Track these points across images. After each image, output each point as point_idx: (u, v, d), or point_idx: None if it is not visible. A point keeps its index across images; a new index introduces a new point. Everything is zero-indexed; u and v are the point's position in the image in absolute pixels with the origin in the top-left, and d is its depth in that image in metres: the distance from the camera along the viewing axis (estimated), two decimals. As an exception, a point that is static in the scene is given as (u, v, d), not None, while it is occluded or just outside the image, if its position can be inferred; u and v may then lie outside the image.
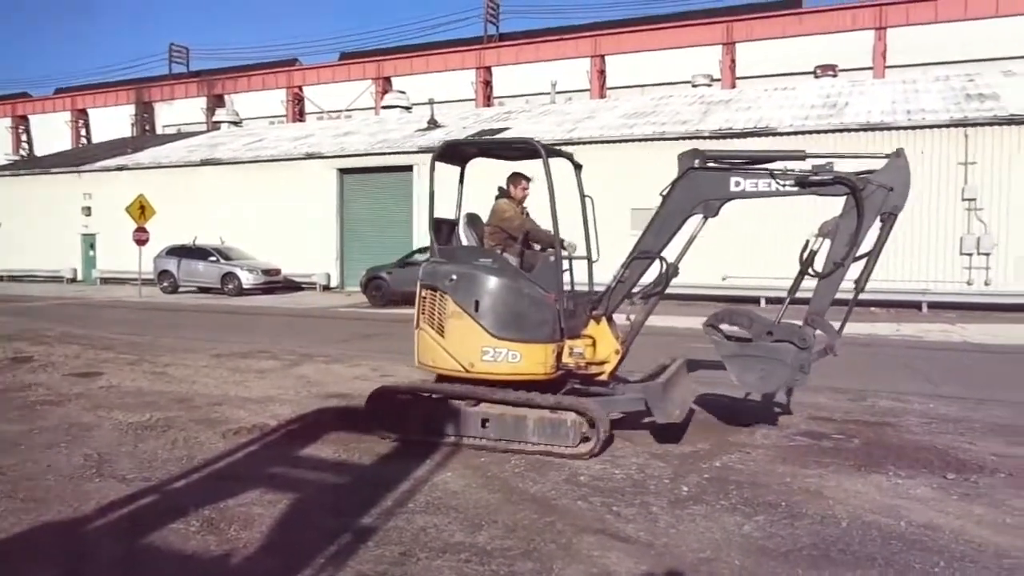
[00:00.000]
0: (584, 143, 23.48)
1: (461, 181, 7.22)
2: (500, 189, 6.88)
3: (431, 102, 30.10)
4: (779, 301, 6.79)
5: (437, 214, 6.79)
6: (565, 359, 6.07)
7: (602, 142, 23.66)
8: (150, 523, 4.36)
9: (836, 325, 6.05)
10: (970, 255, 19.71)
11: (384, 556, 3.95)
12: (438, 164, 6.79)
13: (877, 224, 5.89)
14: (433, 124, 29.32)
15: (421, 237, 25.45)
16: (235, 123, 39.96)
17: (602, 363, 6.22)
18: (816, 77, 29.08)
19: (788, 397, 7.54)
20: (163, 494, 4.94)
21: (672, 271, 6.22)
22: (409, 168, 26.48)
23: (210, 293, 25.65)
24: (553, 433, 5.75)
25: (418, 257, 22.09)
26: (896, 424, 7.02)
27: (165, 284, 26.59)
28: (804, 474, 5.39)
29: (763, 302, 19.21)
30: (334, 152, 28.23)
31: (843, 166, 5.93)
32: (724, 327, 6.18)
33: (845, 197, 5.82)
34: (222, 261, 25.98)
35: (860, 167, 6.00)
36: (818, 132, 21.25)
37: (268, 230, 28.05)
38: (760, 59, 34.27)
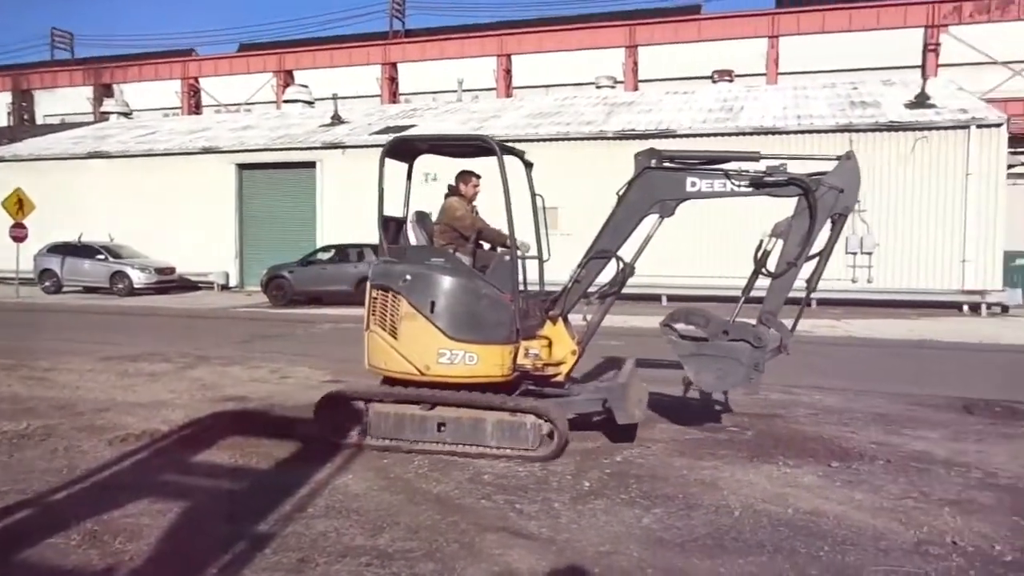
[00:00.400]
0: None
1: (409, 178, 7.03)
2: (449, 187, 6.73)
3: (335, 97, 29.57)
4: (727, 300, 6.89)
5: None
6: (521, 360, 5.97)
7: (507, 141, 23.67)
8: (26, 538, 4.08)
9: (788, 324, 6.09)
10: (854, 254, 20.80)
11: (281, 563, 3.82)
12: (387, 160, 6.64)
13: (828, 225, 5.98)
14: (337, 120, 28.77)
15: (325, 235, 24.97)
16: (125, 114, 38.06)
17: (559, 364, 6.15)
18: (714, 82, 30.06)
19: (725, 395, 7.64)
20: (41, 507, 4.63)
21: (628, 271, 6.20)
22: (312, 164, 25.93)
23: (98, 293, 24.35)
24: (512, 436, 5.64)
25: (321, 256, 21.68)
26: (786, 416, 7.32)
27: (47, 284, 25.04)
28: (700, 466, 5.55)
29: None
30: (233, 147, 27.30)
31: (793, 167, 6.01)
32: (680, 326, 6.15)
33: (797, 198, 5.88)
34: (111, 259, 24.69)
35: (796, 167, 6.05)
36: (715, 135, 22.00)
37: (161, 227, 26.84)
38: (661, 63, 35.16)
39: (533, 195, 6.51)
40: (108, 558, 3.85)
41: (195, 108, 42.97)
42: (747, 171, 5.87)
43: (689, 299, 19.47)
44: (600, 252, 6.11)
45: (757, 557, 3.95)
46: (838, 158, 5.93)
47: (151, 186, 27.52)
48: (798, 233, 5.89)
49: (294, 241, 24.94)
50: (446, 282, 5.88)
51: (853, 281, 20.72)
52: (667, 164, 6.05)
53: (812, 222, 5.82)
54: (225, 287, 26.62)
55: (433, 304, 5.81)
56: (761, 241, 6.12)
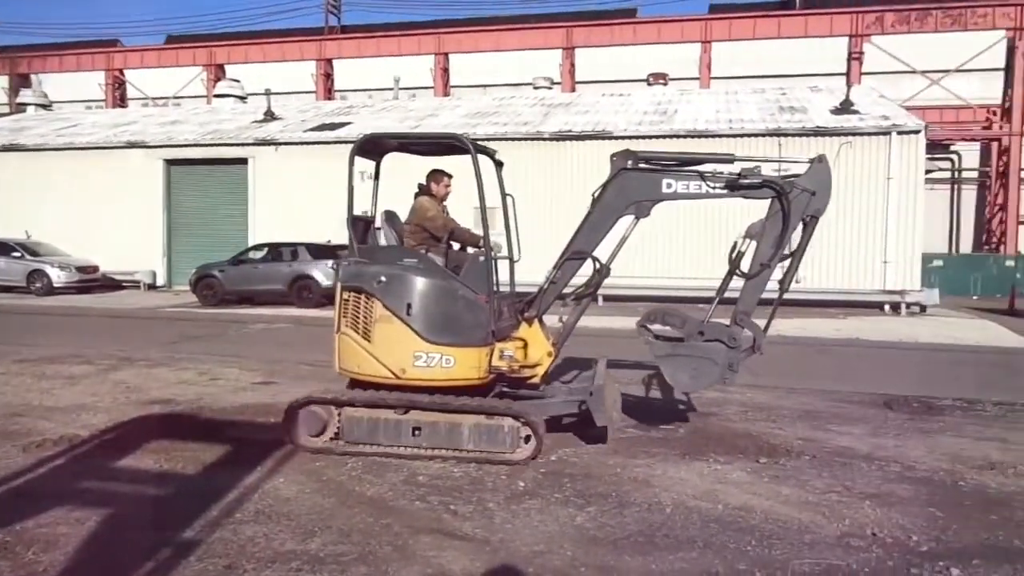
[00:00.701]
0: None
1: (376, 177, 6.86)
2: (420, 186, 6.60)
3: (268, 93, 28.90)
4: (691, 301, 6.82)
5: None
6: (496, 362, 5.91)
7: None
8: (-70, 551, 3.87)
9: (761, 324, 6.14)
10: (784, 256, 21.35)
11: (207, 570, 3.72)
12: (356, 158, 6.38)
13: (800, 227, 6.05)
14: (270, 116, 28.18)
15: (257, 234, 24.42)
16: (44, 106, 36.44)
17: (535, 366, 6.08)
18: (649, 85, 30.52)
19: (687, 395, 7.74)
20: (-52, 518, 4.40)
21: (604, 272, 6.19)
22: (244, 161, 25.31)
23: (13, 293, 23.23)
24: (490, 440, 5.56)
25: (254, 254, 21.19)
26: (718, 413, 7.47)
27: (-43, 283, 23.81)
28: (634, 464, 5.61)
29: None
30: (160, 141, 26.44)
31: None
32: (656, 327, 6.14)
33: (771, 200, 5.93)
34: (27, 257, 23.59)
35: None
36: (651, 137, 22.29)
37: (84, 224, 25.81)
38: (598, 65, 35.53)
39: (504, 195, 6.35)
40: (20, 570, 3.68)
41: (120, 101, 41.52)
42: (722, 173, 5.91)
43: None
44: (576, 253, 6.07)
45: (687, 553, 4.02)
46: (810, 161, 5.99)
47: (72, 181, 26.43)
48: (771, 235, 5.95)
49: (225, 239, 24.31)
50: (423, 284, 5.78)
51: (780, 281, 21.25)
52: (643, 165, 6.05)
53: (785, 224, 5.89)
54: (152, 286, 25.77)
55: (409, 306, 5.70)
56: (736, 243, 6.16)
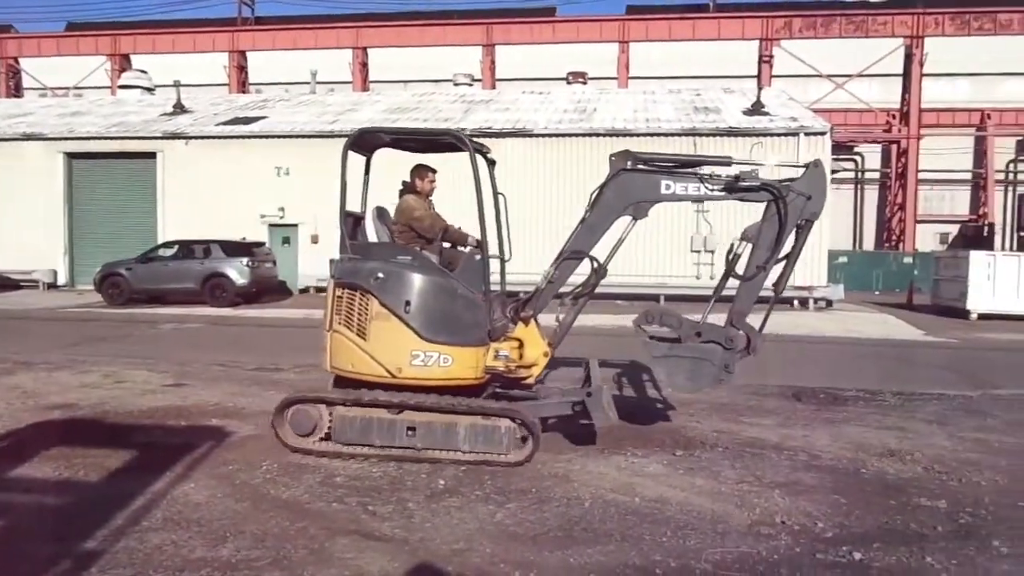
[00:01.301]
0: (345, 136, 22.91)
1: (367, 171, 6.57)
2: (404, 183, 6.37)
3: (177, 84, 27.90)
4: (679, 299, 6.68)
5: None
6: (491, 362, 5.77)
7: (364, 136, 23.32)
8: None
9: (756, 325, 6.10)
10: (698, 252, 22.00)
11: (110, 582, 3.55)
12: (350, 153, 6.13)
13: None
14: (180, 109, 27.21)
15: (167, 230, 23.57)
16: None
17: (531, 366, 5.93)
18: (568, 83, 30.86)
19: (662, 394, 7.79)
20: None
21: (601, 272, 6.08)
22: (152, 155, 24.38)
23: (-100, 293, 21.82)
24: (486, 440, 5.43)
25: (164, 252, 20.44)
26: (637, 409, 7.59)
27: None
28: (554, 460, 5.64)
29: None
30: (60, 134, 25.17)
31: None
32: (652, 328, 6.06)
33: (767, 204, 5.91)
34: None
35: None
36: (570, 135, 22.59)
37: (-25, 220, 24.39)
38: (518, 62, 35.72)
39: (496, 194, 6.15)
40: (-97, 590, 3.43)
41: (15, 91, 39.37)
42: (720, 175, 5.89)
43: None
44: (574, 253, 5.96)
45: (605, 546, 4.07)
46: (805, 166, 5.98)
47: (-38, 174, 24.95)
48: (767, 238, 5.93)
49: (132, 236, 23.38)
50: (421, 281, 5.61)
51: (697, 278, 21.88)
52: (641, 166, 5.98)
53: (781, 227, 5.87)
54: (53, 286, 24.54)
55: (408, 304, 5.53)
56: (732, 245, 6.12)
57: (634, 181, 5.93)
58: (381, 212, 6.42)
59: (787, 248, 6.03)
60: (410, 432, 5.50)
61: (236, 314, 17.78)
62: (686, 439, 6.38)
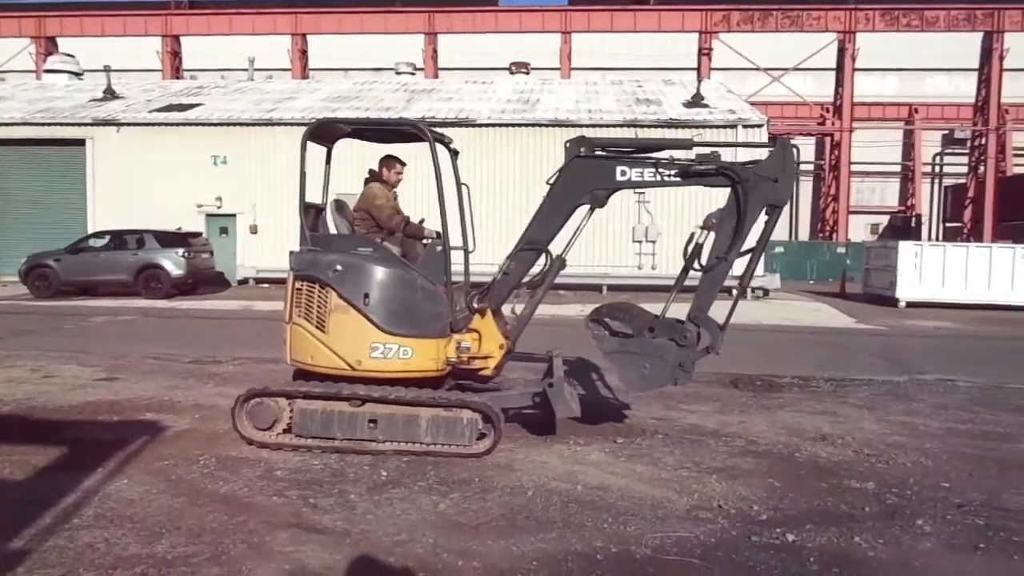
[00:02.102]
0: (284, 124, 22.61)
1: (328, 162, 6.38)
2: (371, 172, 6.24)
3: (107, 69, 26.90)
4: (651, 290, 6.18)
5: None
6: (451, 354, 5.68)
7: (302, 124, 22.90)
8: None
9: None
10: (640, 243, 22.26)
11: (39, 583, 3.44)
12: (309, 143, 5.94)
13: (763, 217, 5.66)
14: (111, 94, 26.27)
15: (97, 220, 22.78)
16: None
17: (486, 357, 5.82)
18: (511, 73, 30.82)
19: (607, 384, 7.67)
20: None
21: (558, 263, 5.89)
22: (81, 142, 23.47)
23: None
24: (448, 432, 5.38)
25: (94, 242, 19.75)
26: (583, 397, 7.65)
27: None
28: (497, 449, 5.64)
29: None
30: (-19, 119, 24.10)
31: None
32: (609, 322, 5.84)
33: (731, 189, 5.55)
34: None
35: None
36: (513, 125, 22.59)
37: None
38: (460, 52, 35.53)
39: (459, 184, 6.02)
40: None
41: (-67, 73, 37.46)
42: (679, 160, 5.61)
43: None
44: (528, 243, 5.82)
45: (547, 534, 4.10)
46: (771, 145, 5.65)
47: None
48: (729, 225, 5.58)
49: (60, 226, 22.46)
50: (380, 273, 5.54)
51: (639, 268, 22.16)
52: (599, 152, 5.75)
53: (741, 215, 5.51)
54: (-25, 278, 23.53)
55: (366, 296, 5.46)
56: (693, 234, 5.81)
57: (588, 168, 5.72)
58: (340, 205, 6.35)
59: (755, 237, 5.69)
60: (371, 425, 5.47)
61: (172, 306, 17.32)
62: (627, 427, 6.47)
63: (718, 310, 5.75)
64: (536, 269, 6.00)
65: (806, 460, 5.63)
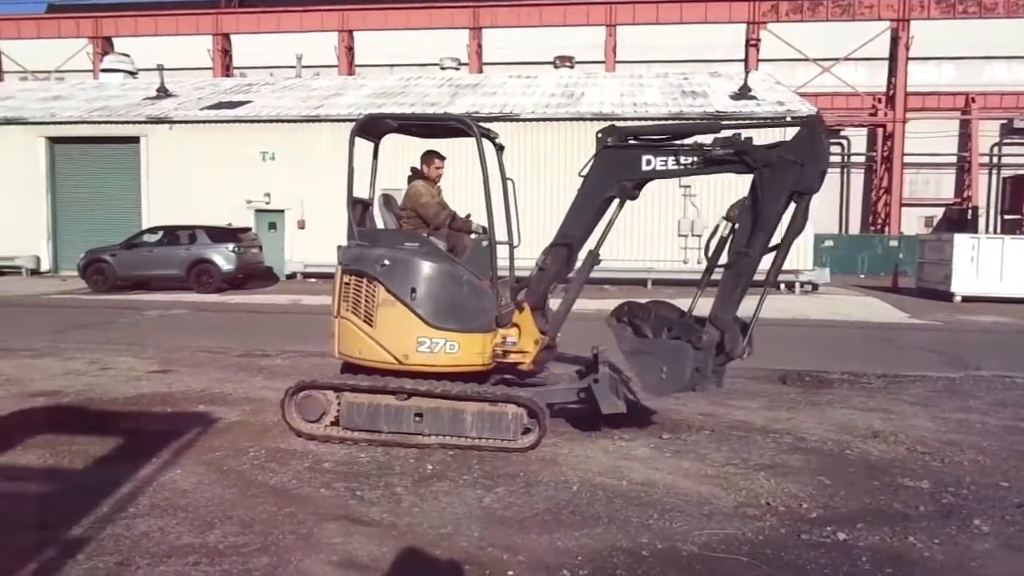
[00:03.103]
0: (331, 120, 22.88)
1: (375, 157, 6.48)
2: (413, 169, 6.33)
3: (161, 68, 27.53)
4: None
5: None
6: (496, 349, 5.71)
7: (348, 120, 23.15)
8: None
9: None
10: (685, 236, 22.03)
11: (97, 569, 3.54)
12: (357, 139, 6.02)
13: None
14: (164, 93, 26.90)
15: (151, 216, 23.37)
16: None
17: (523, 352, 5.82)
18: (555, 67, 30.68)
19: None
20: None
21: (591, 258, 5.76)
22: (136, 140, 24.12)
23: None
24: (493, 426, 5.41)
25: (148, 238, 20.28)
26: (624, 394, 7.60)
27: None
28: (542, 444, 5.64)
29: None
30: (41, 118, 24.87)
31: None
32: (631, 320, 5.69)
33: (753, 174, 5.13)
34: None
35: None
36: (557, 120, 22.53)
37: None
38: (505, 46, 35.49)
39: (504, 179, 5.98)
40: None
41: (-4, 75, 38.81)
42: (703, 146, 5.29)
43: (678, 284, 20.14)
44: (561, 237, 5.81)
45: (592, 529, 4.09)
46: (801, 125, 5.16)
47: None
48: (749, 217, 5.19)
49: (116, 222, 23.13)
50: (427, 268, 5.59)
51: (684, 262, 21.92)
52: (631, 141, 5.52)
53: (760, 203, 5.11)
54: (36, 272, 24.33)
55: (413, 291, 5.52)
56: (717, 226, 5.54)
57: (616, 158, 5.56)
58: (387, 199, 6.40)
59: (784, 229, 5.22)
60: (417, 418, 5.50)
61: (222, 300, 17.68)
62: (673, 422, 6.41)
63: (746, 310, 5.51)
64: (578, 264, 5.94)
65: (857, 458, 5.51)
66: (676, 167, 5.38)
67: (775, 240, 5.34)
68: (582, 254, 5.91)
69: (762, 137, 5.63)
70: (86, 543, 3.80)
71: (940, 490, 4.79)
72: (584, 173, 5.71)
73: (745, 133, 5.30)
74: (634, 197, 5.67)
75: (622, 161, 5.53)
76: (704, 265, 6.07)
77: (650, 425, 6.29)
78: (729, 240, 5.43)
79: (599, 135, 5.66)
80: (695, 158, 5.27)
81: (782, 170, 5.01)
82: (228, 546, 3.82)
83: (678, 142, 5.49)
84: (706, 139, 5.38)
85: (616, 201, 5.67)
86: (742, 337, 5.29)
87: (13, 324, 13.11)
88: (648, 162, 5.41)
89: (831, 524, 4.18)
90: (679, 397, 7.16)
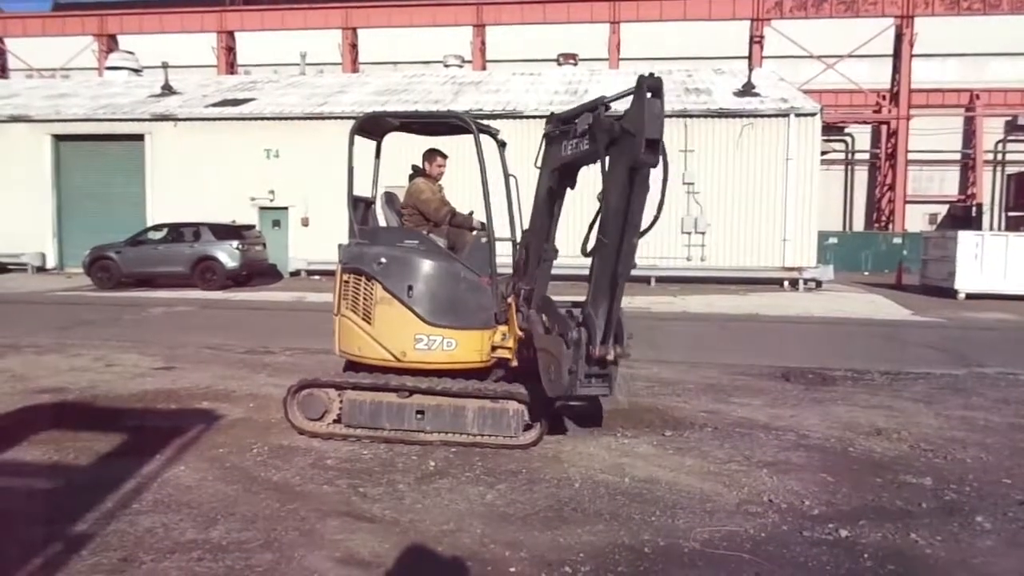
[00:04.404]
0: (335, 118, 22.88)
1: (377, 156, 6.53)
2: (415, 167, 6.35)
3: (165, 66, 27.58)
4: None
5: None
6: (495, 345, 5.71)
7: (351, 118, 23.14)
8: None
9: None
10: (689, 234, 22.01)
11: (101, 564, 3.56)
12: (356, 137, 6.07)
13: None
14: (168, 90, 26.95)
15: (155, 213, 23.42)
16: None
17: (507, 348, 5.76)
18: (559, 64, 30.63)
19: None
20: None
21: (546, 252, 5.70)
22: (140, 137, 24.17)
23: None
24: (495, 423, 5.42)
25: (153, 235, 20.34)
26: (626, 389, 7.62)
27: None
28: (543, 441, 5.66)
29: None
30: (47, 116, 24.93)
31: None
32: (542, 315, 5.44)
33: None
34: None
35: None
36: (560, 117, 22.48)
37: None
38: (508, 43, 35.47)
39: (506, 175, 6.06)
40: None
41: (0, 72, 38.90)
42: (573, 124, 5.05)
43: (682, 281, 20.40)
44: (524, 232, 5.81)
45: (595, 526, 4.10)
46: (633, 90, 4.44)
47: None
48: (606, 200, 4.65)
49: (121, 219, 23.15)
50: (424, 265, 5.61)
51: (688, 259, 21.91)
52: (563, 127, 5.27)
53: (605, 180, 4.64)
54: (41, 269, 24.40)
55: (410, 288, 5.54)
56: (596, 215, 5.01)
57: (550, 147, 5.45)
58: (390, 197, 6.42)
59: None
60: (419, 415, 5.51)
61: (226, 297, 17.72)
62: (675, 419, 6.42)
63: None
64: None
65: (860, 455, 5.51)
66: (577, 150, 5.04)
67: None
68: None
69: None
70: (90, 539, 3.82)
71: (943, 487, 4.79)
72: (538, 164, 5.63)
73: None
74: (570, 186, 5.50)
75: (551, 149, 5.43)
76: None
77: (652, 422, 6.30)
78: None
79: (545, 124, 5.52)
80: (583, 139, 4.92)
81: (620, 144, 4.50)
82: (231, 542, 3.83)
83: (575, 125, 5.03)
84: None
85: (559, 192, 5.53)
86: (606, 335, 4.70)
87: (19, 321, 13.16)
88: (565, 147, 5.17)
89: (833, 521, 4.18)
90: (659, 397, 7.20)
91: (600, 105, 4.76)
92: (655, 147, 4.33)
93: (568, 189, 5.56)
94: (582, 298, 5.02)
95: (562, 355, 4.78)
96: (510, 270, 6.03)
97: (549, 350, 5.01)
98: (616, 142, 4.53)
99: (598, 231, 4.78)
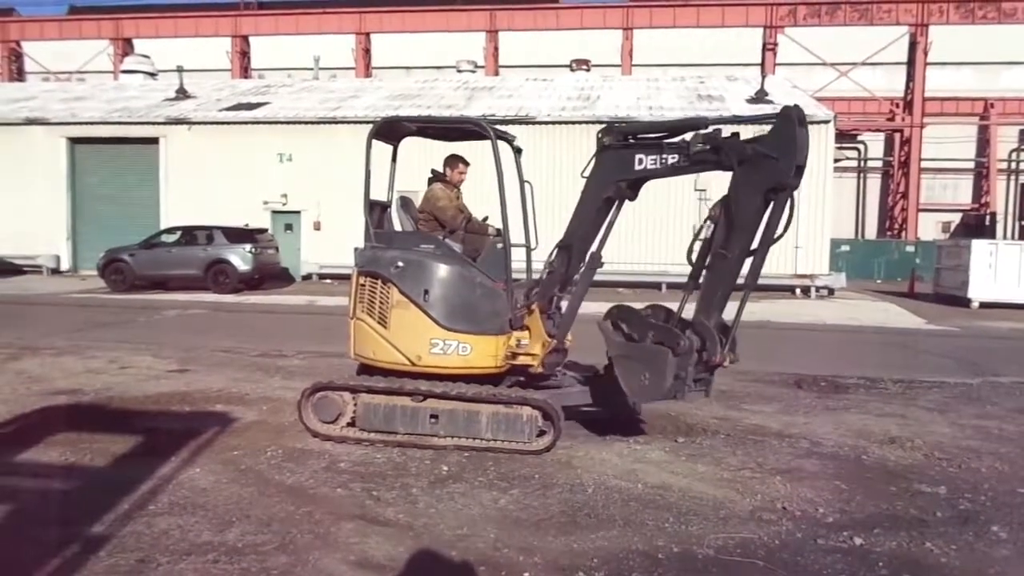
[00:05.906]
0: (348, 122, 23.00)
1: (394, 160, 6.54)
2: (434, 172, 6.37)
3: (180, 69, 27.81)
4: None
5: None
6: (510, 351, 5.72)
7: (365, 122, 23.25)
8: None
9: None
10: (701, 241, 21.94)
11: (118, 565, 3.59)
12: (374, 141, 6.10)
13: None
14: (183, 94, 27.15)
15: (169, 216, 23.58)
16: (-65, 79, 34.22)
17: (530, 354, 5.80)
18: (572, 70, 30.71)
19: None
20: None
21: (592, 260, 5.70)
22: (155, 141, 24.36)
23: (-97, 278, 21.87)
24: (508, 428, 5.43)
25: (167, 238, 20.47)
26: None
27: None
28: (556, 446, 5.66)
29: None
30: (63, 119, 25.14)
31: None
32: (620, 324, 5.61)
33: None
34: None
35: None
36: (573, 123, 22.53)
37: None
38: (521, 49, 35.58)
39: (522, 182, 6.06)
40: (-86, 571, 3.48)
41: (17, 75, 39.30)
42: (687, 143, 5.12)
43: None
44: (564, 240, 5.81)
45: (608, 531, 4.10)
46: (777, 117, 4.83)
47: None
48: (728, 216, 4.97)
49: (135, 222, 23.32)
50: (440, 270, 5.62)
51: (699, 266, 21.86)
52: (630, 140, 5.41)
53: (736, 200, 4.92)
54: (56, 271, 24.59)
55: (426, 292, 5.55)
56: (701, 228, 5.34)
57: (611, 159, 5.48)
58: (405, 202, 6.43)
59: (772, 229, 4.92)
60: (433, 420, 5.53)
61: (239, 300, 17.82)
62: (688, 426, 6.41)
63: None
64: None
65: (874, 463, 5.49)
66: (664, 166, 5.23)
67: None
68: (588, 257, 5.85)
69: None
70: (107, 540, 3.86)
71: (957, 496, 4.76)
72: (586, 174, 5.67)
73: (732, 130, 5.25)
74: (631, 198, 5.59)
75: (618, 161, 5.45)
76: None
77: (665, 428, 6.29)
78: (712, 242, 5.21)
79: (599, 136, 5.59)
80: (680, 156, 5.13)
81: (756, 165, 4.79)
82: (246, 544, 3.86)
83: (667, 141, 5.30)
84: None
85: (616, 202, 5.61)
86: (723, 343, 5.06)
87: (35, 322, 13.27)
88: (640, 161, 5.30)
89: (848, 529, 4.17)
90: (671, 402, 7.15)
91: (704, 125, 5.11)
92: (800, 172, 4.73)
93: (628, 200, 5.58)
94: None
95: (665, 361, 4.94)
96: (524, 276, 6.04)
97: (639, 356, 5.16)
98: (750, 163, 4.80)
99: (717, 244, 5.03)
